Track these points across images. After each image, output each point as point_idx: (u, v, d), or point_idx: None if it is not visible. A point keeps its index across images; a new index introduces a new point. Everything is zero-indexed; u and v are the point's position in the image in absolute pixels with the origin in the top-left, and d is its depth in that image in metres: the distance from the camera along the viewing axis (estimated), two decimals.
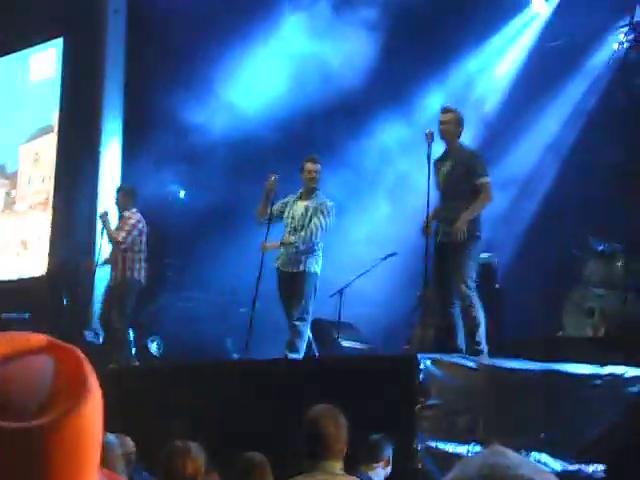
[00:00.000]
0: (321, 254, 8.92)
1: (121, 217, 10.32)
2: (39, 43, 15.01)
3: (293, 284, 8.81)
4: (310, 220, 8.80)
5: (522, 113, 11.66)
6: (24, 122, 15.52)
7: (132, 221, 10.14)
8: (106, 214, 10.31)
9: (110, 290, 10.28)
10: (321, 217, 8.80)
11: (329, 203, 8.94)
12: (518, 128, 11.67)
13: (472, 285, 7.84)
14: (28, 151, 15.48)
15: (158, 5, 12.57)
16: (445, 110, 8.21)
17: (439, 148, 8.25)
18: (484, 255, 8.69)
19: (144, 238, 10.23)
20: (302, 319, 8.69)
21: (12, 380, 1.03)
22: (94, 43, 13.58)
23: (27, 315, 12.07)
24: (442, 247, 8.02)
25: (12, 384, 1.03)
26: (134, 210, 10.27)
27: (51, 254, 13.89)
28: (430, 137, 8.08)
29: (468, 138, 8.75)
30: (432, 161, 8.15)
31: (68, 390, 1.05)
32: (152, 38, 13.06)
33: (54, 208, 14.26)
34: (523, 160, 11.56)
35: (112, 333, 10.23)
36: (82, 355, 1.11)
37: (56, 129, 14.69)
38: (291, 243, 8.80)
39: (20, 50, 15.38)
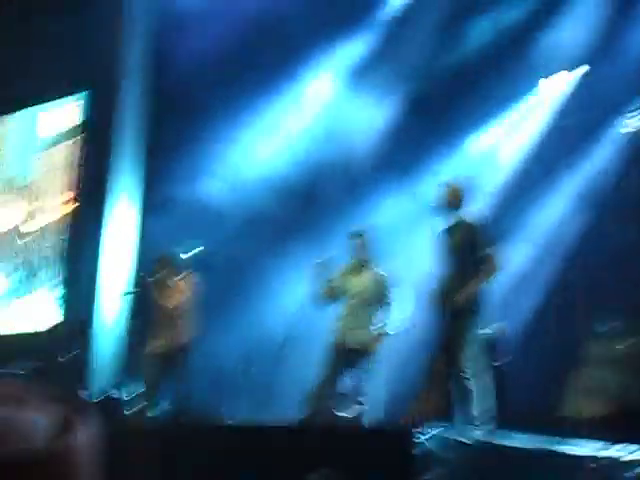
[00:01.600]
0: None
1: (167, 283, 9.53)
2: (51, 100, 14.65)
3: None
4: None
5: (531, 191, 11.65)
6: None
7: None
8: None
9: (158, 358, 9.44)
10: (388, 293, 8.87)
11: (384, 274, 8.95)
12: (528, 203, 11.65)
13: (470, 356, 7.80)
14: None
15: (175, 68, 12.73)
16: (445, 184, 8.25)
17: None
18: (485, 330, 8.62)
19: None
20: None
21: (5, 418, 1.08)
22: (110, 102, 13.48)
23: (24, 371, 11.88)
24: (448, 318, 7.98)
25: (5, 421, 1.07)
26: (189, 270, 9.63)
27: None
28: (437, 209, 8.12)
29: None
30: (437, 234, 8.18)
31: (59, 433, 1.09)
32: (169, 100, 13.13)
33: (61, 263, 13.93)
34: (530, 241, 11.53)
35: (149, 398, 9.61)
36: (78, 406, 1.15)
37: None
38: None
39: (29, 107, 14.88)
